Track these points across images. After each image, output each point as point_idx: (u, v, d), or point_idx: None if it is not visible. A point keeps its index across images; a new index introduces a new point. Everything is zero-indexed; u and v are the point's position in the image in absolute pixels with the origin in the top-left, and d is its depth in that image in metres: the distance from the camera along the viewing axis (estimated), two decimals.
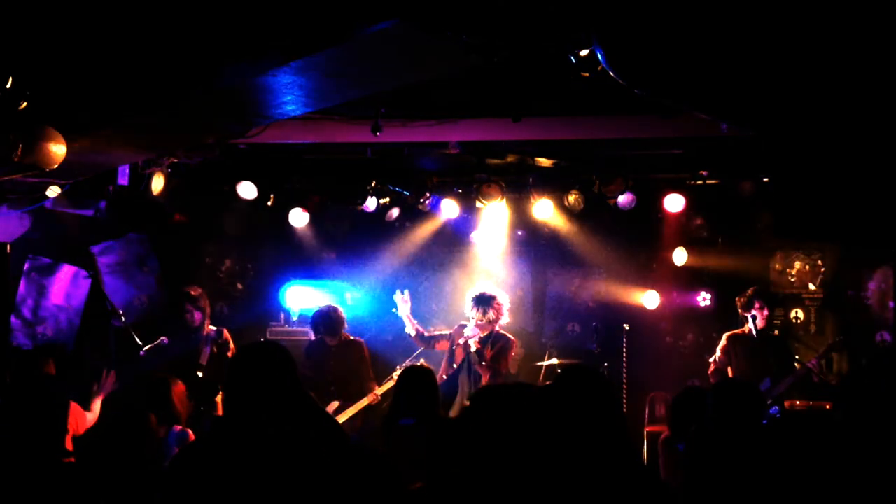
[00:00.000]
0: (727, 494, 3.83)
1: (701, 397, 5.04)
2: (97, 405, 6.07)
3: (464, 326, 7.24)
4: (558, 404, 2.91)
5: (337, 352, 7.49)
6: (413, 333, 7.51)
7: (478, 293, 7.21)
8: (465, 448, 2.96)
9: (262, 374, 3.30)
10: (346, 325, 7.57)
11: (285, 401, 3.29)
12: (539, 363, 8.30)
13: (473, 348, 7.01)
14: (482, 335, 7.08)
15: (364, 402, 7.26)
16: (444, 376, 7.16)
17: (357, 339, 7.67)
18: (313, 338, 7.67)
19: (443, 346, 7.45)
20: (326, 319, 7.45)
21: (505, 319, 7.25)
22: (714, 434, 4.13)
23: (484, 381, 6.90)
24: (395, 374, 7.19)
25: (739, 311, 7.44)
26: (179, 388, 5.27)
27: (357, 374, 7.48)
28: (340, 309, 7.62)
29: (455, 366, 7.21)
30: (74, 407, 5.80)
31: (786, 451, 3.91)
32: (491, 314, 7.09)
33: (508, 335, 7.25)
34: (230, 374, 3.38)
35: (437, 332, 7.64)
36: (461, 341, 7.14)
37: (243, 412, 3.25)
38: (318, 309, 7.62)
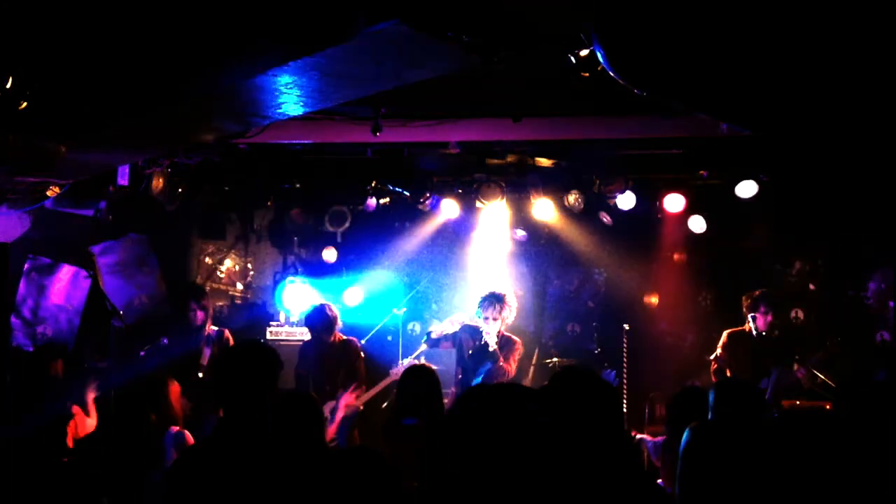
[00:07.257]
0: (725, 494, 3.82)
1: (700, 397, 5.03)
2: (92, 408, 6.06)
3: (470, 327, 7.22)
4: (552, 406, 2.89)
5: (332, 351, 7.38)
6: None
7: (488, 293, 7.19)
8: (459, 449, 2.96)
9: (255, 374, 3.29)
10: (340, 324, 7.48)
11: (270, 401, 3.30)
12: (539, 362, 8.31)
13: (492, 348, 7.00)
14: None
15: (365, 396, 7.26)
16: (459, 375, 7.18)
17: (351, 338, 7.57)
18: (309, 337, 7.65)
19: (446, 346, 7.45)
20: (321, 318, 7.37)
21: (511, 319, 7.24)
22: (714, 432, 4.12)
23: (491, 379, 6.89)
24: (392, 372, 7.21)
25: (744, 310, 7.43)
26: (176, 388, 5.27)
27: (353, 373, 7.43)
28: (335, 308, 7.55)
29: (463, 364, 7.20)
30: (75, 409, 5.80)
31: (785, 451, 3.91)
32: (504, 312, 7.08)
33: (513, 336, 7.24)
34: (220, 374, 3.38)
35: (441, 333, 7.58)
36: (484, 341, 7.06)
37: (241, 414, 3.24)
38: (312, 308, 7.58)
